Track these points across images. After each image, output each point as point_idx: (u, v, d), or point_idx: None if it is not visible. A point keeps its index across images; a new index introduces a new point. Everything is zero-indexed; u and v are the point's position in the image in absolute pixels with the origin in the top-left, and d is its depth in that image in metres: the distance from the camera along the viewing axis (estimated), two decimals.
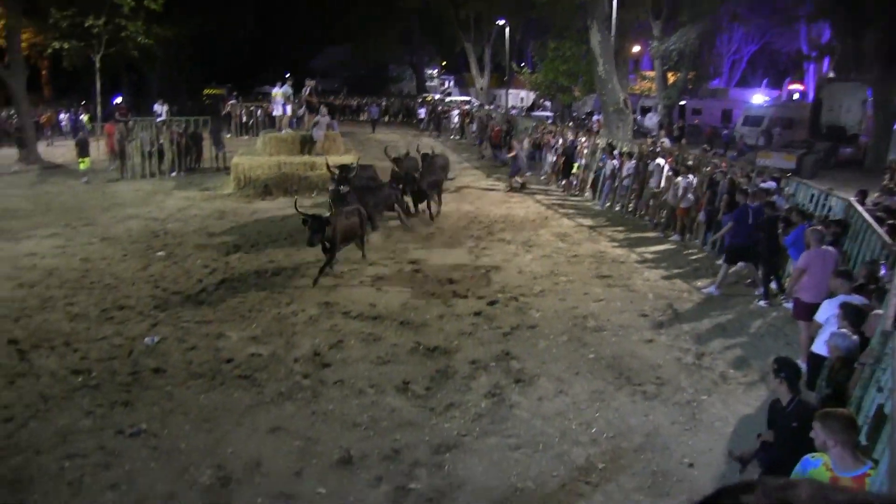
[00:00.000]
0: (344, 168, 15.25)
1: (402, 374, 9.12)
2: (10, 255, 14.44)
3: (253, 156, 22.56)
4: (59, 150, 31.71)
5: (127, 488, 6.82)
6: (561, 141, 24.35)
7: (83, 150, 24.26)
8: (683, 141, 27.75)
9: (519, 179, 22.77)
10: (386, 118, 48.77)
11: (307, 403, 8.40)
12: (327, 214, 12.44)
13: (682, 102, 41.59)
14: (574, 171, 22.53)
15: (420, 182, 17.07)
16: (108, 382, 8.80)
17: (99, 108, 36.99)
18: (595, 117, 37.67)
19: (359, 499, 6.66)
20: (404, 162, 17.56)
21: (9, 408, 8.24)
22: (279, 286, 12.31)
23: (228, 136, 34.77)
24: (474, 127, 35.69)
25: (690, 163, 17.20)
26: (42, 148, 30.28)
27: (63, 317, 10.83)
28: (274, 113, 26.14)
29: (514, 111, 44.38)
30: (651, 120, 39.38)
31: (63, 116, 38.32)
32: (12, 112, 33.69)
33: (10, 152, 29.82)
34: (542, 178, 24.53)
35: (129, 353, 9.54)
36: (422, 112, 45.03)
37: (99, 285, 12.29)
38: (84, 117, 34.71)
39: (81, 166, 24.10)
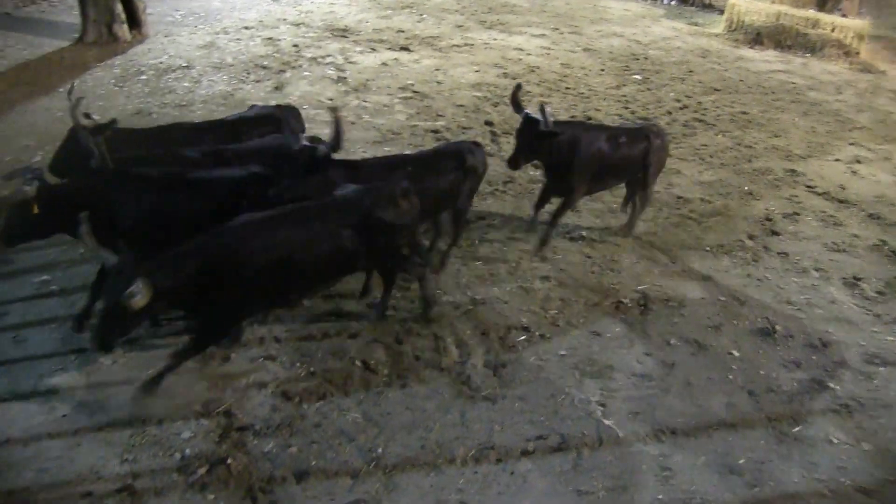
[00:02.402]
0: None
1: (855, 269, 8.22)
2: (500, 46, 15.39)
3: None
4: None
5: (555, 283, 7.27)
6: None
7: None
8: None
9: None
10: None
11: (745, 264, 8.02)
12: None
13: None
14: None
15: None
16: None
17: None
18: None
19: (770, 375, 6.30)
20: None
21: None
22: (749, 138, 11.62)
23: None
24: None
25: None
26: None
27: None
28: None
29: None
30: None
31: None
32: None
33: None
34: None
35: None
36: None
37: (573, 93, 12.64)
38: None
39: None
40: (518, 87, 7.46)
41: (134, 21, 14.26)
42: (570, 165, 7.44)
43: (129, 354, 5.89)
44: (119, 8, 13.88)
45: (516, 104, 7.32)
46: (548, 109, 7.09)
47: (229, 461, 5.04)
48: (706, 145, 11.06)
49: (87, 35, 13.87)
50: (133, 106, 10.79)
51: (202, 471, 4.97)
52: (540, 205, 8.02)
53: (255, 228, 5.33)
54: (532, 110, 7.24)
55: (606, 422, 5.60)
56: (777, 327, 6.92)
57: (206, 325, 5.54)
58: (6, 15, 15.54)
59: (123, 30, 14.00)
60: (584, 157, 7.45)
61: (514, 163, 7.40)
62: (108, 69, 12.45)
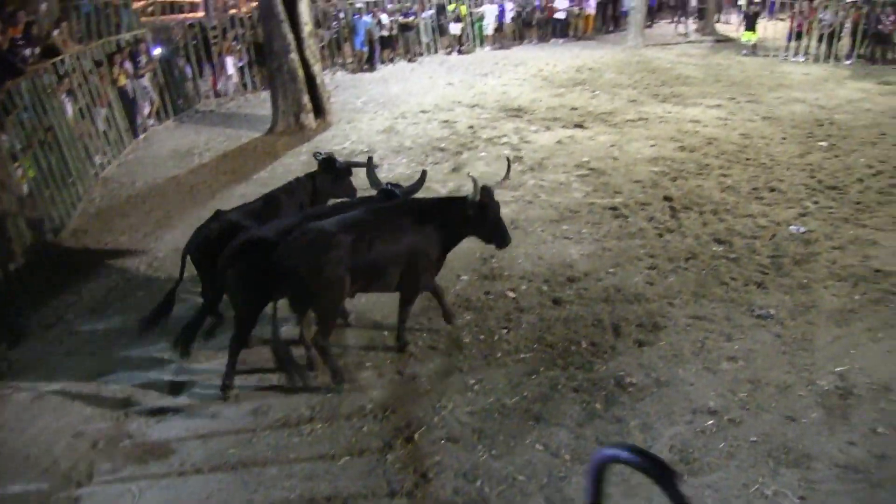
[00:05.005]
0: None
1: None
2: (676, 119, 15.21)
3: None
4: (730, 26, 31.73)
5: (743, 365, 6.85)
6: None
7: (749, 23, 24.52)
8: None
9: None
10: None
11: None
12: None
13: None
14: None
15: None
16: (746, 259, 8.83)
17: None
18: None
19: None
20: None
21: (654, 257, 8.88)
22: None
23: None
24: None
25: None
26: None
27: (715, 186, 11.07)
28: None
29: None
30: None
31: None
32: None
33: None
34: None
35: (771, 236, 9.38)
36: None
37: (754, 163, 12.24)
38: None
39: (744, 38, 24.40)
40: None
41: (319, 110, 15.33)
42: None
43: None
44: (306, 98, 14.99)
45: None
46: None
47: None
48: None
49: (277, 126, 15.02)
50: None
51: None
52: None
53: None
54: None
55: None
56: None
57: None
58: (211, 112, 17.08)
59: (310, 119, 15.06)
60: None
61: None
62: (295, 156, 13.31)
